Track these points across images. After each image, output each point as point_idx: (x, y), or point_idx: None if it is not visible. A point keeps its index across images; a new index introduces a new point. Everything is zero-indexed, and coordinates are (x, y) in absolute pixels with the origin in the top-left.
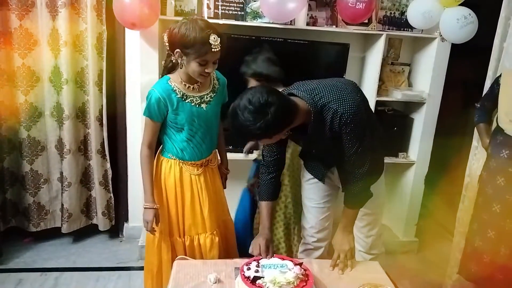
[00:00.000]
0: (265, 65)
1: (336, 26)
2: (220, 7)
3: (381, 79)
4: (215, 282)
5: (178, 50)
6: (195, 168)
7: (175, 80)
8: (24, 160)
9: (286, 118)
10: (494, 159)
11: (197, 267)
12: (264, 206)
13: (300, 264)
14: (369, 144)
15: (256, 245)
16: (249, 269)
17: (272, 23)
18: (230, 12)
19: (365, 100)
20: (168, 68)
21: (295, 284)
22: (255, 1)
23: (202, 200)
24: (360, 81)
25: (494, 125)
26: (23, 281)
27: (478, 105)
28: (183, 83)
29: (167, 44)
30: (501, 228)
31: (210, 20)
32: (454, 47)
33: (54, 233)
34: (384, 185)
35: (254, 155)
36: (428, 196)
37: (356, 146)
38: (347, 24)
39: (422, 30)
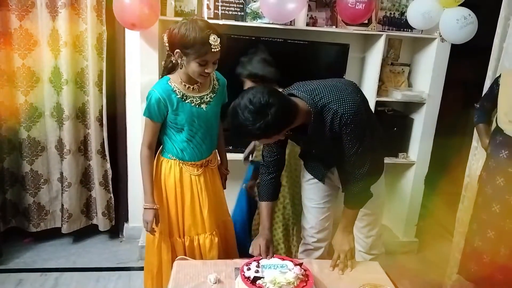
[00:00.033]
0: (261, 66)
1: (336, 27)
2: (220, 7)
3: (381, 80)
4: (215, 283)
5: (178, 50)
6: (195, 169)
7: (175, 80)
8: (24, 161)
9: (285, 120)
10: (494, 159)
11: (197, 268)
12: (264, 206)
13: (300, 265)
14: (369, 144)
15: (256, 245)
16: (249, 269)
17: (272, 23)
18: (230, 12)
19: (365, 101)
20: (168, 69)
21: (295, 284)
22: (255, 1)
23: (202, 200)
24: (360, 82)
25: (493, 125)
26: (23, 281)
27: (478, 106)
28: (183, 83)
29: (167, 44)
30: (501, 228)
31: (210, 21)
32: (454, 48)
33: (54, 234)
34: (384, 186)
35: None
36: (428, 197)
37: (356, 146)
38: (347, 24)
39: (422, 30)
